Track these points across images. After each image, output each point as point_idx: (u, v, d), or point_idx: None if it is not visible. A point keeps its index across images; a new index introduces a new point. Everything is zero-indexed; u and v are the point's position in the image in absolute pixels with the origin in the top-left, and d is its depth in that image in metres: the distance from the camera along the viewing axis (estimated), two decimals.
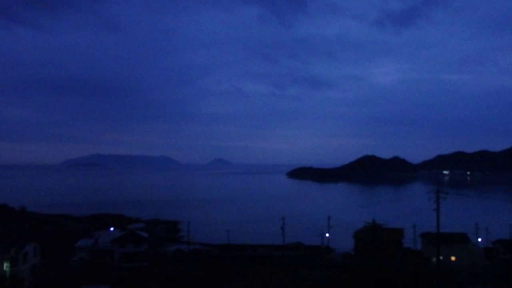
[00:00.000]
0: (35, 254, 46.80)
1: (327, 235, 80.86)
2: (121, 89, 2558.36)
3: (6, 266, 41.00)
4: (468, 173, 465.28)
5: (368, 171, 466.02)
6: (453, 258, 58.41)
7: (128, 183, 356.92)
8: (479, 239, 74.51)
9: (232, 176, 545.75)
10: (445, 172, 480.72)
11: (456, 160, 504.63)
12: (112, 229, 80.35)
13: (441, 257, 47.09)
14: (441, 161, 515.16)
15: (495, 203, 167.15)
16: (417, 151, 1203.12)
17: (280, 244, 74.96)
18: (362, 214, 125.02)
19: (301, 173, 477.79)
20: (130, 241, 63.95)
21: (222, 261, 61.64)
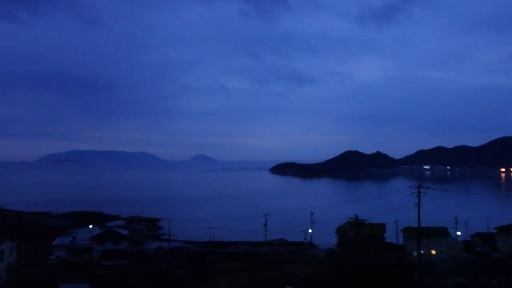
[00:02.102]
0: (11, 252, 45.97)
1: (310, 231, 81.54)
2: (101, 85, 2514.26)
3: None
4: (448, 168, 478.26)
5: (351, 167, 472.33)
6: (433, 252, 59.91)
7: (107, 179, 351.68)
8: (458, 233, 76.46)
9: (214, 172, 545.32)
10: (426, 167, 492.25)
11: (437, 155, 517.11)
12: (91, 226, 78.75)
13: (422, 251, 48.31)
14: (422, 156, 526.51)
15: (473, 197, 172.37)
16: (399, 147, 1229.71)
17: (263, 241, 75.60)
18: (346, 209, 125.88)
19: (284, 169, 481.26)
20: (109, 239, 62.75)
21: (206, 258, 61.44)
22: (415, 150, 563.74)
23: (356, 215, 44.42)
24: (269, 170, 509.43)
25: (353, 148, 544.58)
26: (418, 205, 41.39)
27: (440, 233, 62.61)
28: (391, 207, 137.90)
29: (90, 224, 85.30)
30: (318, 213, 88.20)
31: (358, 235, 47.37)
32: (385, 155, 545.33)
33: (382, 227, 65.90)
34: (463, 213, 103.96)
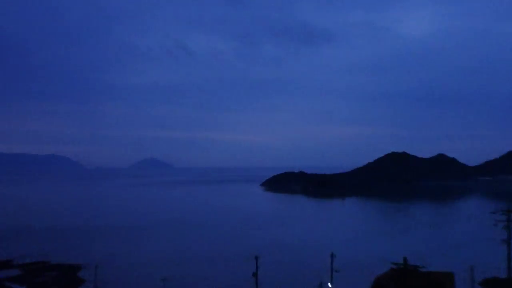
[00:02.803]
0: None
1: (329, 286, 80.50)
2: None
3: None
4: None
5: (394, 178, 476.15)
6: None
7: None
8: None
9: (172, 186, 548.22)
10: None
11: None
12: None
13: None
14: None
15: None
16: (474, 147, 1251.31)
17: None
18: (386, 248, 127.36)
19: (284, 181, 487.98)
20: None
21: None
22: (502, 153, 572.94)
23: (404, 258, 44.27)
24: (262, 184, 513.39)
25: (398, 149, 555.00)
26: (508, 242, 41.04)
27: None
28: (461, 243, 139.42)
29: None
30: (340, 254, 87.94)
31: None
32: (453, 159, 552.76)
33: (448, 278, 66.24)
34: None
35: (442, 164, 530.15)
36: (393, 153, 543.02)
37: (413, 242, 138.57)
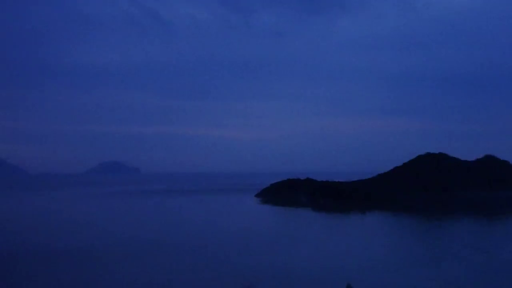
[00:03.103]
0: None
1: None
2: None
3: None
4: None
5: (429, 187, 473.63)
6: None
7: None
8: None
9: (139, 197, 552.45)
10: None
11: None
12: None
13: None
14: None
15: None
16: None
17: None
18: (418, 279, 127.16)
19: (286, 191, 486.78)
20: None
21: None
22: None
23: None
24: (258, 195, 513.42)
25: (434, 149, 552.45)
26: None
27: None
28: None
29: None
30: (359, 286, 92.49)
31: None
32: (505, 162, 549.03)
33: None
34: None
35: (492, 169, 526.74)
36: (428, 155, 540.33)
37: (454, 273, 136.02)
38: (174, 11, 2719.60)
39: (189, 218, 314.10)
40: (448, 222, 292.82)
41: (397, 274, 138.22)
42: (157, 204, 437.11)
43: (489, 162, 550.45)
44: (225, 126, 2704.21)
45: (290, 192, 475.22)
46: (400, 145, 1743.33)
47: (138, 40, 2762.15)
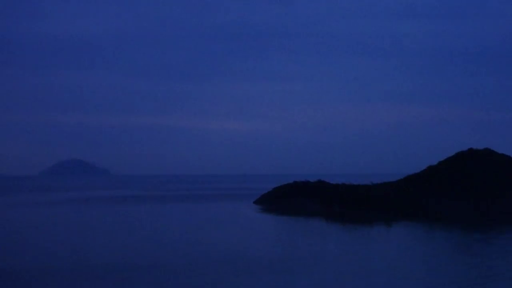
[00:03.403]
0: None
1: None
2: None
3: None
4: None
5: (473, 191, 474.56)
6: None
7: None
8: None
9: (107, 205, 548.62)
10: None
11: None
12: None
13: None
14: None
15: None
16: None
17: None
18: None
19: (292, 197, 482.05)
20: None
21: None
22: None
23: None
24: (257, 201, 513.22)
25: (478, 143, 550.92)
26: None
27: None
28: None
29: None
30: None
31: None
32: None
33: None
34: None
35: None
36: (471, 151, 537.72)
37: None
38: None
39: (169, 232, 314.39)
40: (496, 236, 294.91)
41: None
42: (128, 214, 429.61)
43: None
44: (216, 116, 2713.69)
45: (297, 198, 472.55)
46: (435, 139, 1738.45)
47: (101, 5, 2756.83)
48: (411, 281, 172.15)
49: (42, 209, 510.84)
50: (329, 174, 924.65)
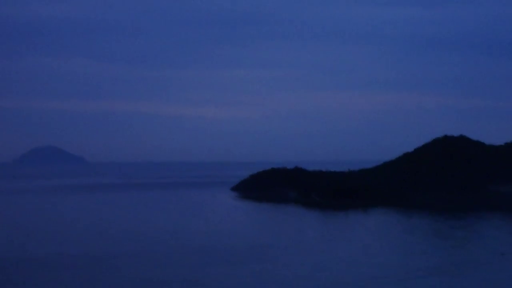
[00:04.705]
0: None
1: None
2: None
3: None
4: None
5: (447, 178, 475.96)
6: None
7: None
8: None
9: (81, 193, 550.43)
10: None
11: None
12: None
13: None
14: None
15: None
16: None
17: None
18: None
19: (269, 184, 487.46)
20: None
21: None
22: None
23: None
24: (234, 188, 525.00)
25: (454, 131, 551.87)
26: None
27: None
28: None
29: None
30: None
31: None
32: None
33: None
34: None
35: None
36: (446, 138, 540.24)
37: (479, 283, 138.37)
38: None
39: (144, 220, 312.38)
40: (471, 222, 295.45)
41: (409, 284, 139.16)
42: (104, 203, 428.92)
43: None
44: (194, 103, 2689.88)
45: (274, 185, 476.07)
46: (411, 126, 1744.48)
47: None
48: (389, 267, 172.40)
49: (12, 198, 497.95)
50: (307, 161, 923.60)
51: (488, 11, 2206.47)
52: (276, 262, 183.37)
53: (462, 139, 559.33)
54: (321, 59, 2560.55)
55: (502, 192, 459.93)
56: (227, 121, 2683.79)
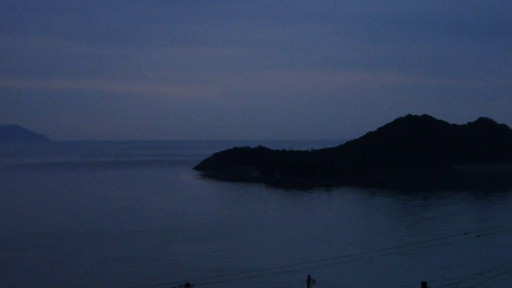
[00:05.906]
0: None
1: None
2: None
3: None
4: None
5: (410, 157, 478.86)
6: None
7: None
8: None
9: (43, 170, 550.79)
10: None
11: None
12: None
13: None
14: None
15: None
16: None
17: None
18: (398, 270, 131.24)
19: (232, 163, 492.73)
20: None
21: None
22: None
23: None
24: (197, 167, 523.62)
25: (417, 110, 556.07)
26: None
27: None
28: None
29: None
30: (323, 278, 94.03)
31: None
32: (503, 126, 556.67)
33: None
34: None
35: (488, 135, 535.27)
36: (409, 117, 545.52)
37: (445, 263, 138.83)
38: None
39: (110, 200, 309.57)
40: (435, 202, 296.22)
41: (373, 263, 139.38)
42: (67, 181, 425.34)
43: (484, 126, 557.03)
44: (153, 81, 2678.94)
45: (237, 164, 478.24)
46: (375, 106, 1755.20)
47: None
48: (352, 246, 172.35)
49: None
50: (269, 140, 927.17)
51: None
52: (240, 240, 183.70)
53: (425, 118, 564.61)
54: (280, 38, 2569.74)
55: (465, 171, 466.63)
56: (188, 99, 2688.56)
